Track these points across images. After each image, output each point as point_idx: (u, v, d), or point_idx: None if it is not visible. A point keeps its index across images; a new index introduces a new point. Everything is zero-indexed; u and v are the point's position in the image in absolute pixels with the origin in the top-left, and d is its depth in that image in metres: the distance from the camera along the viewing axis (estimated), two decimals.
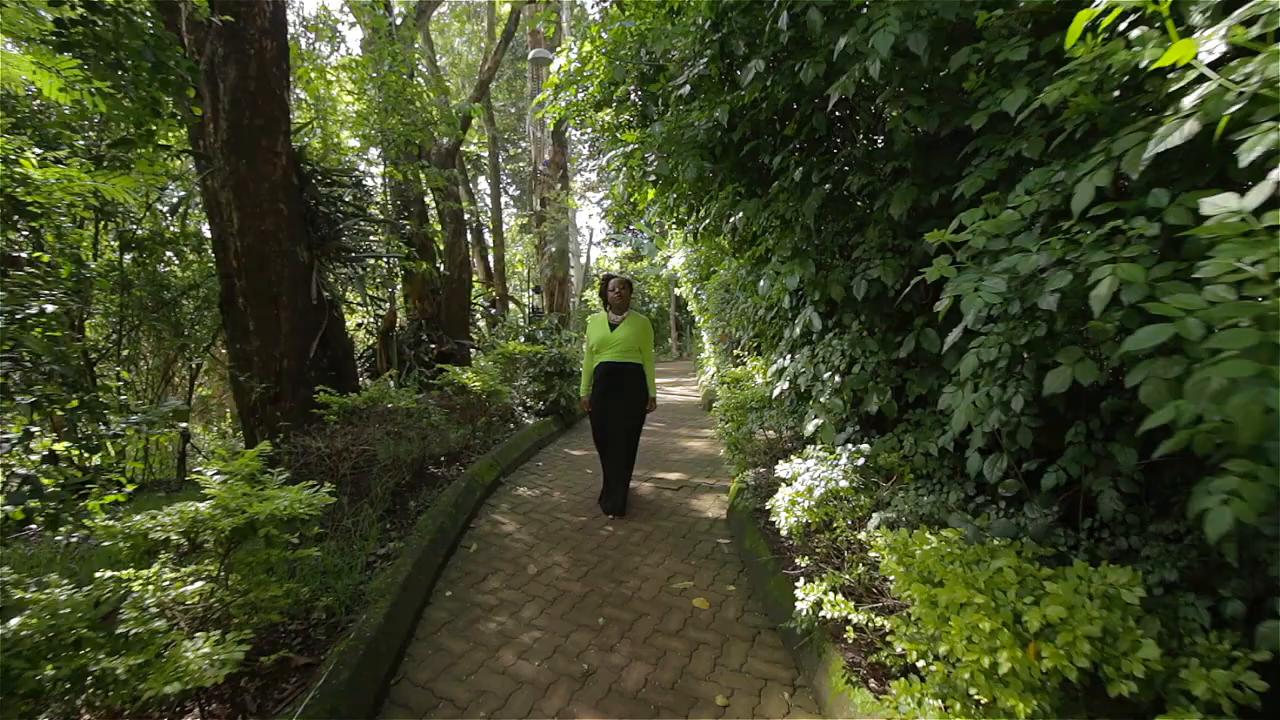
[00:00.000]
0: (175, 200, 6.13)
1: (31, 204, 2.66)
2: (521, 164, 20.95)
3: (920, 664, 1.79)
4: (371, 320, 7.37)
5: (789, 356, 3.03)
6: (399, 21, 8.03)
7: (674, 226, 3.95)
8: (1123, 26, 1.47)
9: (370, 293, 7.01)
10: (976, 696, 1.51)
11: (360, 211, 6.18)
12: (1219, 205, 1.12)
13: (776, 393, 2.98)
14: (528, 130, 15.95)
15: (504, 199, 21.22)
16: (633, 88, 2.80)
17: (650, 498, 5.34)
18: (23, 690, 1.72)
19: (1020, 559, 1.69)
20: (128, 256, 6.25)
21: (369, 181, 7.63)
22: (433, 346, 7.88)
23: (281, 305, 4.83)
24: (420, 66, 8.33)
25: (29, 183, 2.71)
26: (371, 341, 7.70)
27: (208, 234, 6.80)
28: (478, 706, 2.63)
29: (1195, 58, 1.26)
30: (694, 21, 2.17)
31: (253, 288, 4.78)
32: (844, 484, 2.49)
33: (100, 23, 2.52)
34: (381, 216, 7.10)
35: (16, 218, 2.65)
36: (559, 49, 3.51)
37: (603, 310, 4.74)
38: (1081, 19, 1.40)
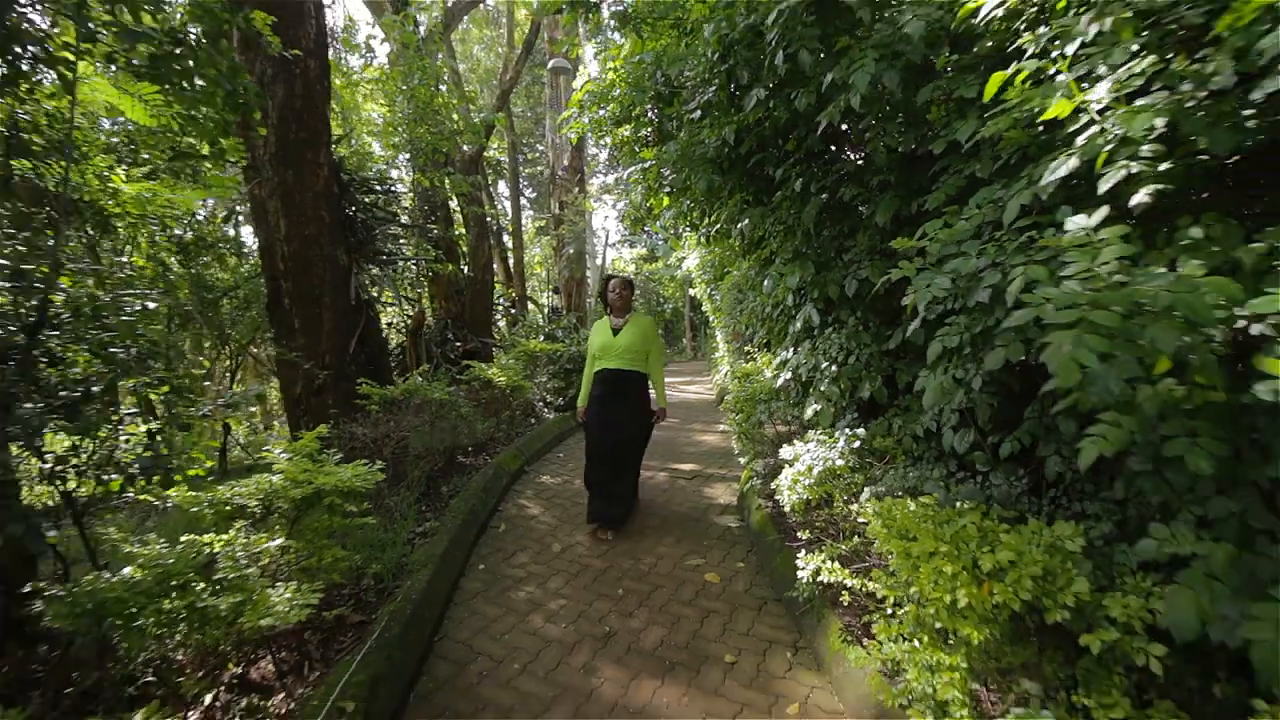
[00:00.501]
0: (225, 210, 6.53)
1: (120, 214, 3.03)
2: (539, 168, 21.36)
3: (897, 609, 2.06)
4: (402, 319, 7.77)
5: (792, 350, 3.31)
6: (424, 34, 8.41)
7: (688, 230, 4.23)
8: (1044, 76, 1.74)
9: (401, 293, 7.39)
10: (940, 628, 1.78)
11: (393, 218, 6.56)
12: (1075, 223, 1.42)
13: (780, 383, 3.25)
14: (546, 135, 16.32)
15: (521, 201, 21.64)
16: (649, 106, 3.10)
17: (665, 486, 5.63)
18: (143, 623, 2.06)
19: (985, 519, 1.96)
20: (173, 259, 6.69)
21: (398, 188, 8.01)
22: (458, 344, 8.26)
23: (324, 305, 5.20)
24: (445, 77, 8.70)
25: (119, 196, 3.08)
26: (401, 340, 8.09)
27: (244, 239, 7.24)
28: (512, 660, 2.95)
29: (1083, 107, 1.53)
30: (704, 51, 2.46)
31: (298, 289, 5.16)
32: (840, 463, 2.76)
33: (185, 56, 2.87)
34: (411, 222, 7.48)
35: (111, 227, 3.02)
36: (579, 69, 3.81)
37: (605, 315, 4.35)
38: (996, 79, 1.70)
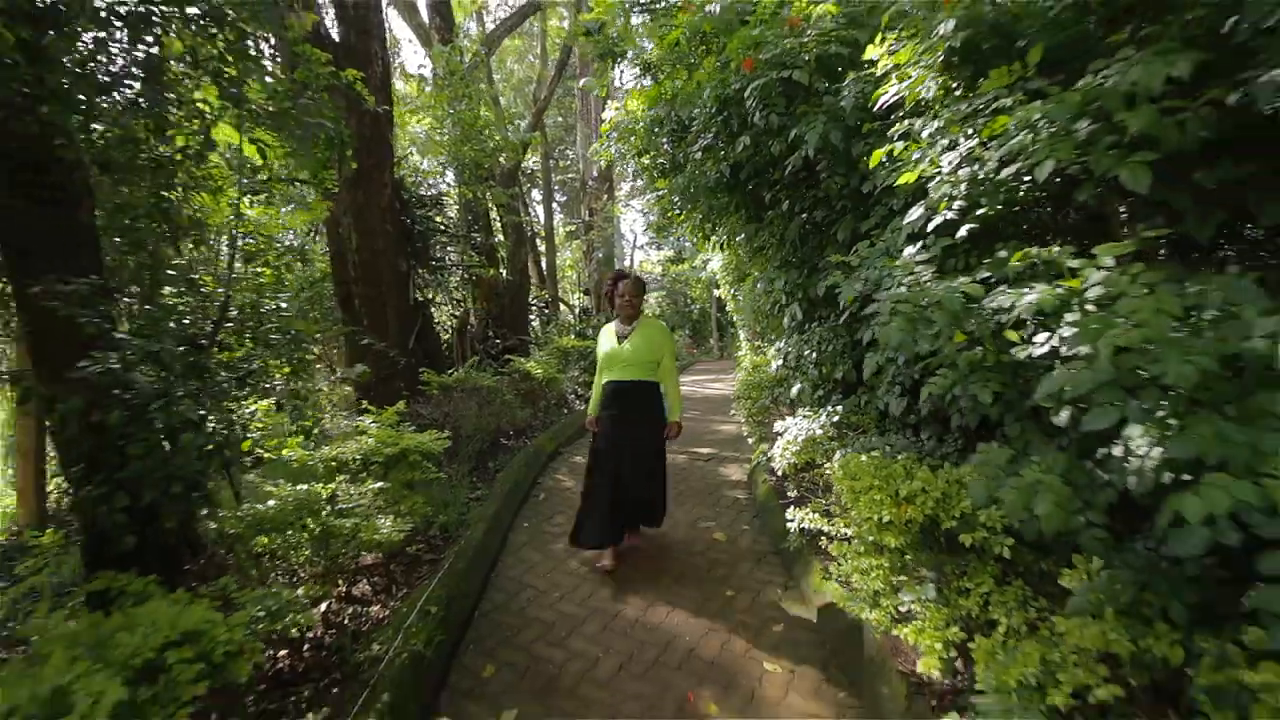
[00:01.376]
0: (307, 227, 7.42)
1: (252, 234, 3.83)
2: (570, 175, 22.18)
3: (847, 533, 2.67)
4: (450, 318, 8.59)
5: (784, 341, 3.91)
6: (469, 64, 9.23)
7: (701, 240, 4.83)
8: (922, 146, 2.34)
9: (450, 295, 8.20)
10: (872, 540, 2.39)
11: (444, 229, 7.36)
12: (909, 253, 2.02)
13: (774, 368, 3.85)
14: (578, 145, 17.09)
15: (553, 205, 22.52)
16: (665, 140, 3.73)
17: (684, 466, 6.27)
18: (295, 534, 2.80)
19: (913, 464, 2.55)
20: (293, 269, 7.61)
21: (446, 200, 8.84)
22: (498, 341, 9.04)
23: (389, 306, 6.00)
24: (485, 99, 9.50)
25: (247, 221, 3.87)
26: (448, 337, 8.90)
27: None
28: (553, 590, 3.64)
29: (926, 175, 2.13)
30: (705, 103, 3.09)
31: (366, 293, 5.97)
32: (819, 432, 3.36)
33: (302, 109, 3.64)
34: (459, 232, 8.29)
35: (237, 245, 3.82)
36: (609, 102, 4.52)
37: (612, 323, 3.78)
38: (876, 155, 2.29)
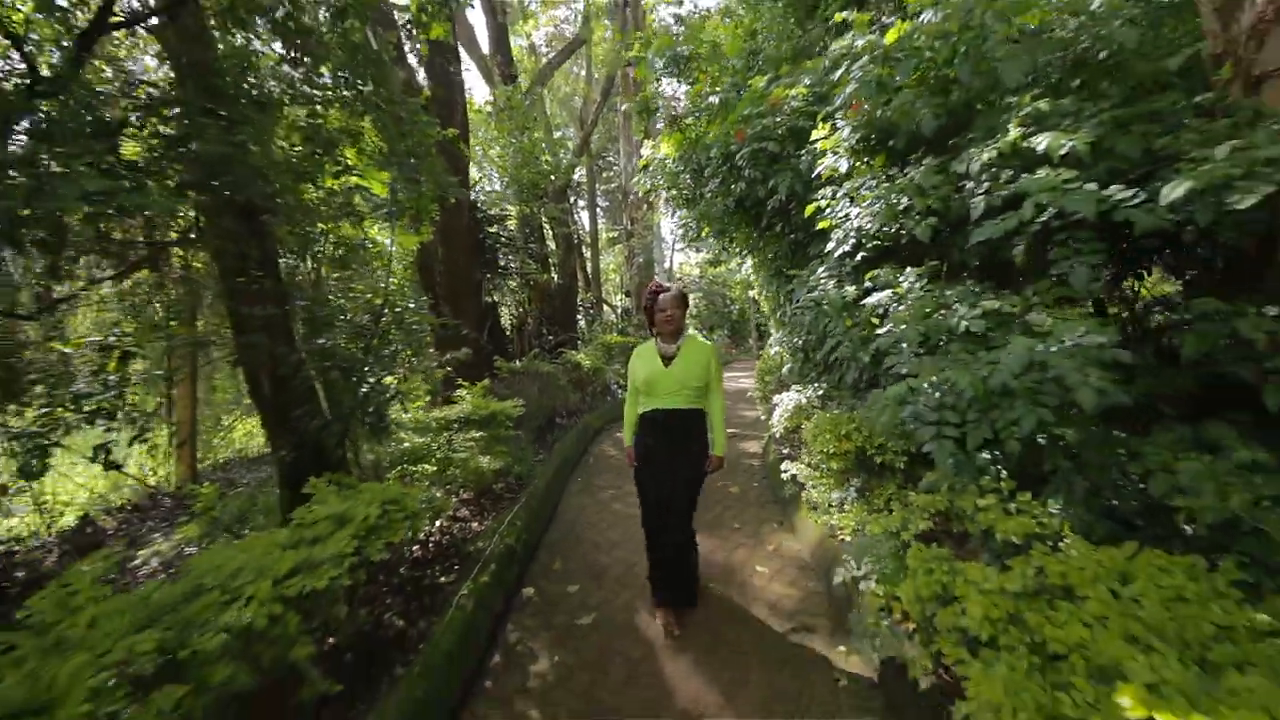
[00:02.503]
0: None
1: (376, 253, 5.10)
2: (613, 184, 23.42)
3: (817, 475, 3.68)
4: (511, 318, 9.88)
5: (780, 333, 4.89)
6: (529, 102, 10.52)
7: (720, 250, 5.82)
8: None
9: (511, 297, 9.49)
10: (824, 466, 3.40)
11: (509, 242, 8.62)
12: (817, 271, 3.00)
13: (773, 352, 4.84)
14: (620, 158, 18.25)
15: (597, 211, 23.85)
16: (687, 176, 4.78)
17: None
18: (425, 464, 4.00)
19: (854, 415, 3.53)
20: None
21: (508, 216, 10.14)
22: (550, 338, 10.27)
23: (467, 308, 7.26)
24: (539, 127, 10.75)
25: (375, 243, 5.15)
26: (510, 333, 10.19)
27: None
28: (600, 523, 4.75)
29: (838, 224, 3.10)
30: (714, 158, 4.15)
31: (449, 296, 7.25)
32: (804, 402, 4.36)
33: (418, 160, 4.86)
34: (518, 243, 9.56)
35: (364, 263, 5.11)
36: (646, 140, 5.64)
37: (651, 340, 3.25)
38: (810, 209, 3.24)
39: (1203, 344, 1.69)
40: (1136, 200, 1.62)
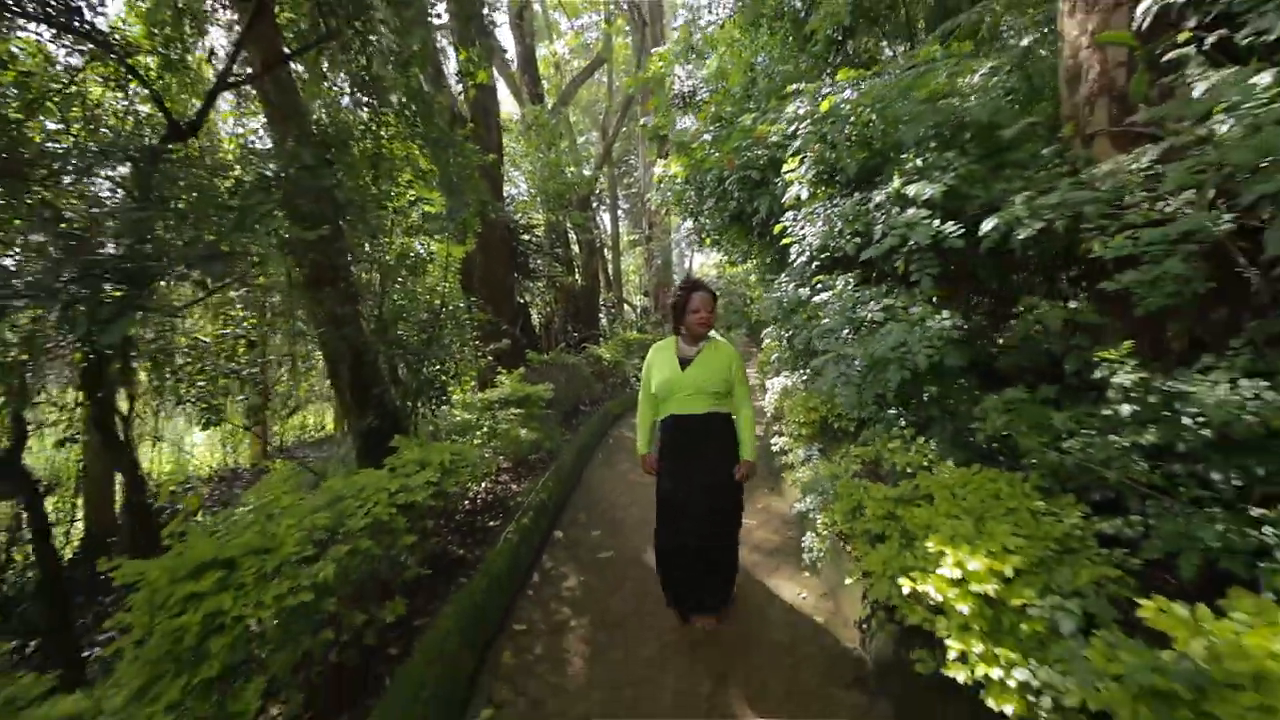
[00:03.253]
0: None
1: (429, 261, 6.01)
2: (634, 190, 24.27)
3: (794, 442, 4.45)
4: (540, 316, 10.79)
5: (772, 327, 5.66)
6: (555, 120, 11.42)
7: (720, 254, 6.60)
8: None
9: (540, 298, 10.39)
10: (796, 433, 4.17)
11: (538, 249, 9.52)
12: (781, 277, 3.75)
13: (766, 343, 5.58)
14: (640, 164, 19.07)
15: (618, 212, 24.74)
16: (692, 193, 5.57)
17: None
18: (473, 434, 4.87)
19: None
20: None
21: (536, 223, 11.06)
22: (574, 334, 11.14)
23: (503, 307, 8.17)
24: (564, 141, 11.63)
25: (425, 255, 6.06)
26: (539, 331, 11.11)
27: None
28: (616, 489, 5.58)
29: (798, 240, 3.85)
30: (710, 181, 4.94)
31: (487, 297, 8.16)
32: (789, 385, 5.12)
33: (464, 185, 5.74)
34: (546, 249, 10.46)
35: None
36: (659, 160, 6.43)
37: (671, 338, 3.04)
38: (778, 228, 3.98)
39: (1025, 328, 2.42)
40: (959, 231, 2.36)
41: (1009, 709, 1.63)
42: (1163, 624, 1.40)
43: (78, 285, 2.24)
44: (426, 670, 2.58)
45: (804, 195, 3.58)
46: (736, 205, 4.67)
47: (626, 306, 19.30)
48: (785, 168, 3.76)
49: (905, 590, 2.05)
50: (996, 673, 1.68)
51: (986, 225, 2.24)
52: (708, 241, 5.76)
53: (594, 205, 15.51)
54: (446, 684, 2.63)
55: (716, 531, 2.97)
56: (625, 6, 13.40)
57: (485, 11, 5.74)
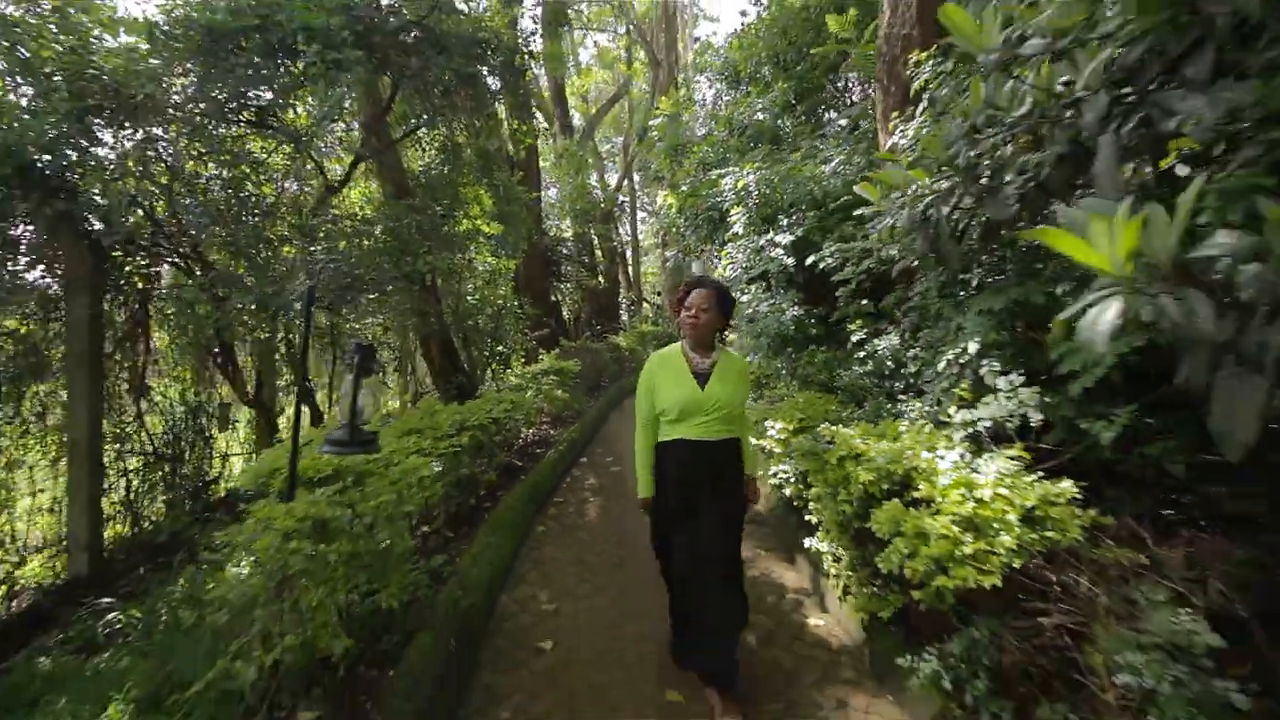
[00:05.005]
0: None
1: (491, 273, 8.06)
2: (652, 198, 26.22)
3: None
4: (569, 312, 12.84)
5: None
6: (581, 150, 13.42)
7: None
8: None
9: (569, 297, 12.43)
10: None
11: (568, 258, 11.55)
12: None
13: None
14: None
15: (638, 215, 26.73)
16: (682, 221, 7.46)
17: None
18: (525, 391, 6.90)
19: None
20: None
21: (565, 234, 13.09)
22: (598, 327, 13.15)
23: (541, 304, 10.21)
24: (590, 164, 13.61)
25: (489, 268, 8.10)
26: (569, 323, 13.15)
27: None
28: (624, 438, 7.52)
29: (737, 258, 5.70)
30: (689, 215, 6.83)
31: (531, 297, 10.21)
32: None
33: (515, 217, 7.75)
34: (574, 257, 12.49)
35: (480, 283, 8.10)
36: (660, 193, 8.34)
37: (676, 346, 2.52)
38: (723, 252, 5.84)
39: (841, 316, 4.27)
40: (794, 264, 4.23)
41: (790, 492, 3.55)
42: (829, 432, 3.30)
43: (331, 295, 4.30)
44: (506, 513, 4.57)
45: (740, 231, 5.47)
46: (706, 233, 6.57)
47: (645, 304, 21.26)
48: (730, 214, 5.66)
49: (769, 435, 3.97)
50: (782, 467, 3.60)
51: (810, 259, 4.10)
52: (694, 255, 7.68)
53: (616, 215, 17.48)
54: (518, 519, 4.63)
55: (718, 568, 2.39)
56: (641, 44, 15.31)
57: (531, 99, 7.74)
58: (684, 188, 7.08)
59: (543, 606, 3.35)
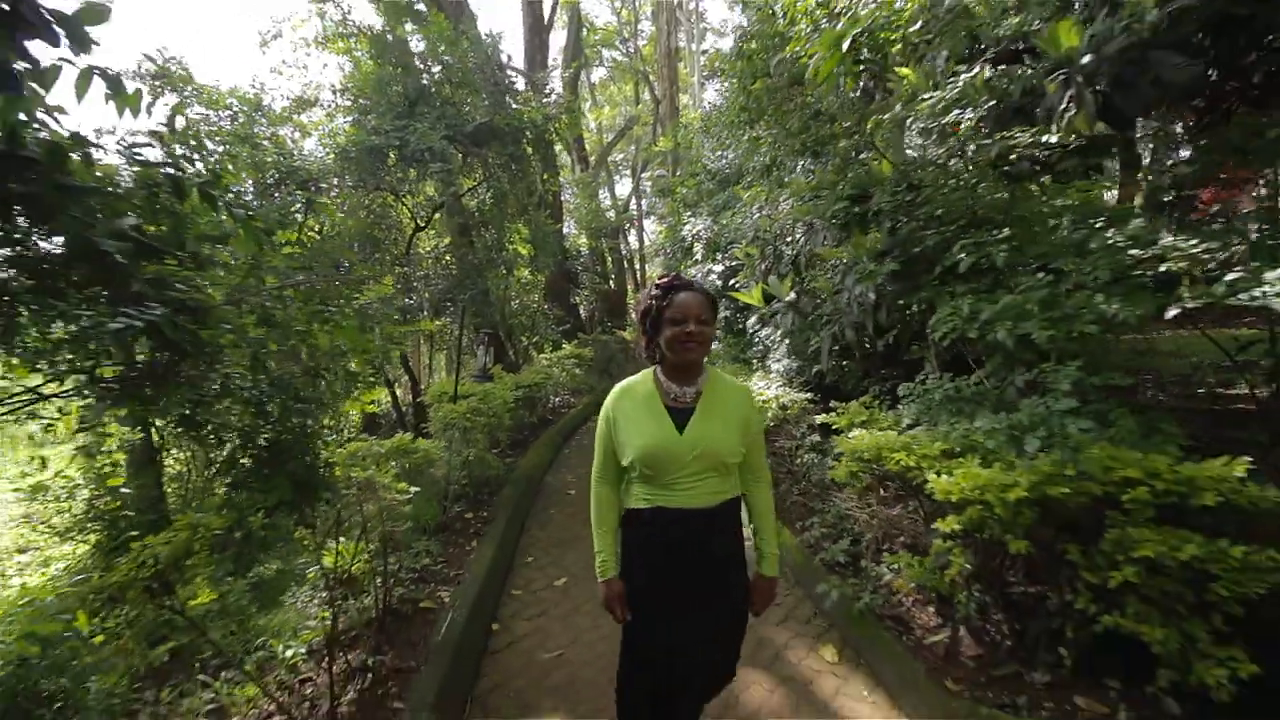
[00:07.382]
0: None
1: (525, 285, 10.61)
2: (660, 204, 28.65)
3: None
4: (583, 312, 15.40)
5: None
6: (594, 180, 15.91)
7: None
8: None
9: (584, 299, 15.01)
10: None
11: (584, 267, 14.09)
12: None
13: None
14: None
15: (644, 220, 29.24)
16: (669, 246, 9.83)
17: None
18: (551, 369, 9.46)
19: None
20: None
21: (581, 246, 15.65)
22: (609, 324, 15.66)
23: (565, 307, 12.77)
24: (603, 192, 16.12)
25: (521, 283, 10.64)
26: (584, 320, 15.69)
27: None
28: None
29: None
30: (675, 239, 9.22)
31: (555, 301, 12.77)
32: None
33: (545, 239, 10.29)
34: (587, 266, 15.02)
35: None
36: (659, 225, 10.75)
37: (646, 373, 1.79)
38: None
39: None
40: (723, 286, 6.67)
41: None
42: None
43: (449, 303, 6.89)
44: (545, 440, 7.13)
45: (700, 259, 7.91)
46: (680, 257, 9.06)
47: None
48: (694, 248, 8.13)
49: None
50: None
51: (733, 280, 6.56)
52: (680, 268, 10.19)
53: (625, 228, 20.00)
54: (552, 445, 7.18)
55: (716, 682, 1.84)
56: (645, 84, 17.72)
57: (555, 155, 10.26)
58: (669, 220, 9.58)
59: (566, 479, 5.93)
